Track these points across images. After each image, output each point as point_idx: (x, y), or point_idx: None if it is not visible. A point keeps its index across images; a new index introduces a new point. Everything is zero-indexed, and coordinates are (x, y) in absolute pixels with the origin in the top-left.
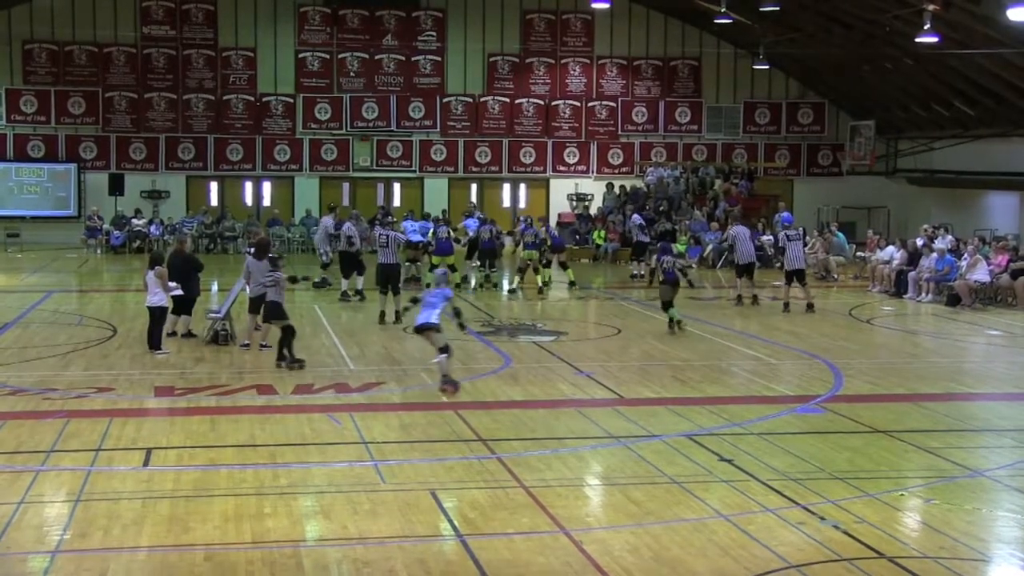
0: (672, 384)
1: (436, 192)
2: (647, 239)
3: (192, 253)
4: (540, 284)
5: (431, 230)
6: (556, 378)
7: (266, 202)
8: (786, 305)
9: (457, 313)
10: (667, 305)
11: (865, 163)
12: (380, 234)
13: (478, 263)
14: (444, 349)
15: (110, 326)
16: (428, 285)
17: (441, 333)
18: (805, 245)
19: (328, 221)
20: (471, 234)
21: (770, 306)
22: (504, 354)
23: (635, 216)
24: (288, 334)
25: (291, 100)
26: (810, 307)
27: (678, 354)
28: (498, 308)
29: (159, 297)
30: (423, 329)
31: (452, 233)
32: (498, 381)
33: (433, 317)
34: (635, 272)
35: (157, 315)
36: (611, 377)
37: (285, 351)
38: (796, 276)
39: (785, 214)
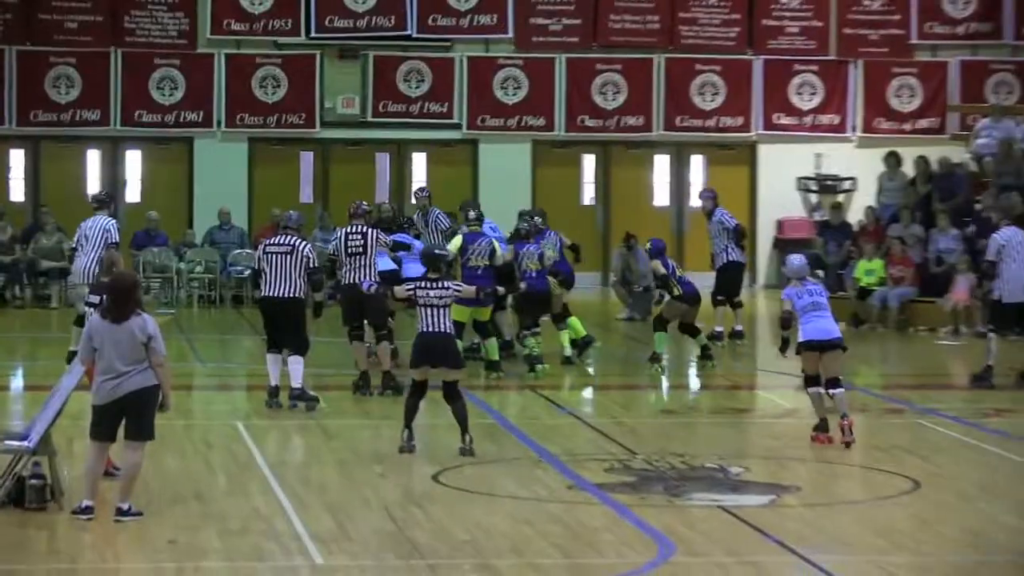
0: None
1: (503, 170)
2: (739, 259)
3: None
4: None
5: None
6: None
7: (133, 195)
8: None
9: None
10: (662, 324)
11: None
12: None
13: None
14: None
15: None
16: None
17: None
18: None
19: (107, 224)
20: (505, 257)
21: None
22: (657, 533)
23: (719, 212)
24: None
25: None
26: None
27: None
28: (638, 429)
29: None
30: (831, 346)
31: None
32: None
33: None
34: (717, 330)
35: None
36: None
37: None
38: None
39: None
